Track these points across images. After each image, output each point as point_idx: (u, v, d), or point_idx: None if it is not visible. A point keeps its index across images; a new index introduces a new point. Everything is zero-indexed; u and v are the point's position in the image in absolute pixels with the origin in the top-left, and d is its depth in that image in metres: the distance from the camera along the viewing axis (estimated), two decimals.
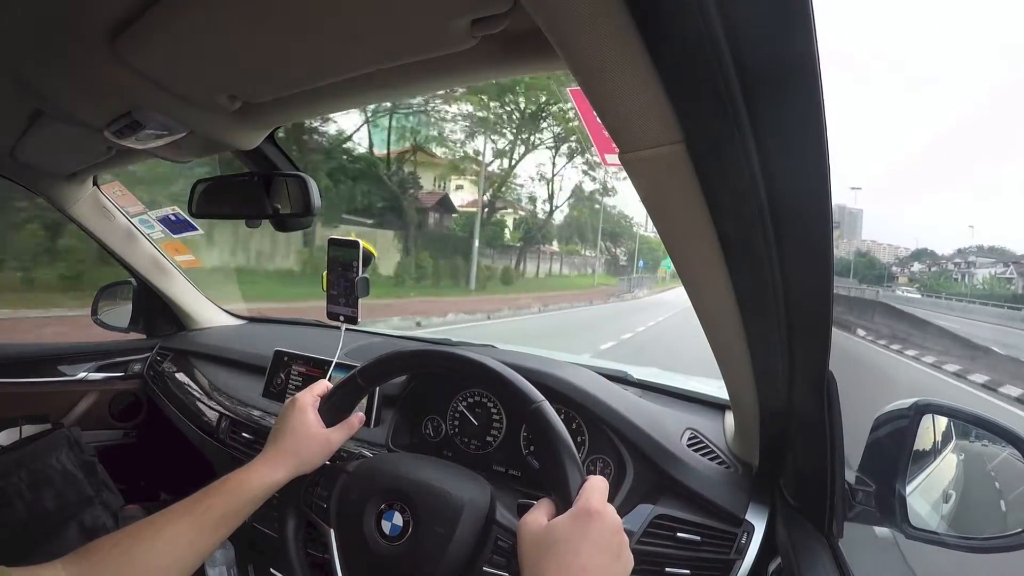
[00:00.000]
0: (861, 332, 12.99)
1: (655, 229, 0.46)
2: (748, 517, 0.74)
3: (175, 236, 1.42)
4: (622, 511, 0.77)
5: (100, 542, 0.53)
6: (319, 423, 0.66)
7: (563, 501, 0.52)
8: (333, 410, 0.68)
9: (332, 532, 0.63)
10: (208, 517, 0.57)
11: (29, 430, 1.24)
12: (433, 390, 1.01)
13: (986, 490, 0.76)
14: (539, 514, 0.51)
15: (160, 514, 0.57)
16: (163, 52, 0.55)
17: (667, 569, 0.72)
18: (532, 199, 25.24)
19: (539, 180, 24.19)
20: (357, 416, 0.70)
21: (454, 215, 21.86)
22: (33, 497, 1.06)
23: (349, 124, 16.06)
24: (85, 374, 1.43)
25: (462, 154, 19.23)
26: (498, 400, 0.96)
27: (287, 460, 0.63)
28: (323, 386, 0.70)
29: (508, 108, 19.25)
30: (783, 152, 0.36)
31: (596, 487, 0.52)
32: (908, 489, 0.65)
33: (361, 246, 0.97)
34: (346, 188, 14.64)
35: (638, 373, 1.11)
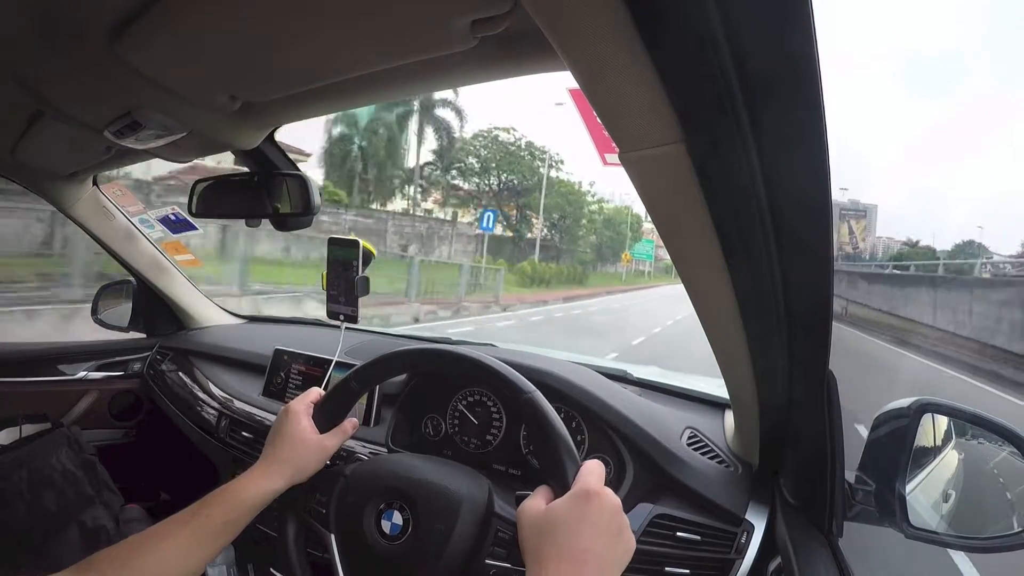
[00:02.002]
0: None
1: (654, 226, 0.46)
2: (748, 516, 0.74)
3: (174, 236, 1.42)
4: None
5: (98, 556, 0.54)
6: (313, 429, 0.66)
7: (560, 486, 0.52)
8: (327, 415, 0.68)
9: (332, 536, 0.63)
10: (206, 527, 0.58)
11: (29, 429, 1.24)
12: (433, 389, 1.01)
13: (986, 489, 0.76)
14: (537, 500, 0.52)
15: (159, 525, 0.57)
16: (163, 52, 0.55)
17: (667, 568, 0.72)
18: None
19: None
20: (351, 421, 0.70)
21: None
22: (33, 497, 1.06)
23: None
24: (85, 373, 1.43)
25: None
26: (492, 393, 0.96)
27: (283, 468, 0.64)
28: (316, 393, 0.71)
29: None
30: (783, 152, 0.36)
31: (592, 470, 0.52)
32: (908, 488, 0.65)
33: (361, 245, 0.97)
34: None
35: (638, 372, 1.11)
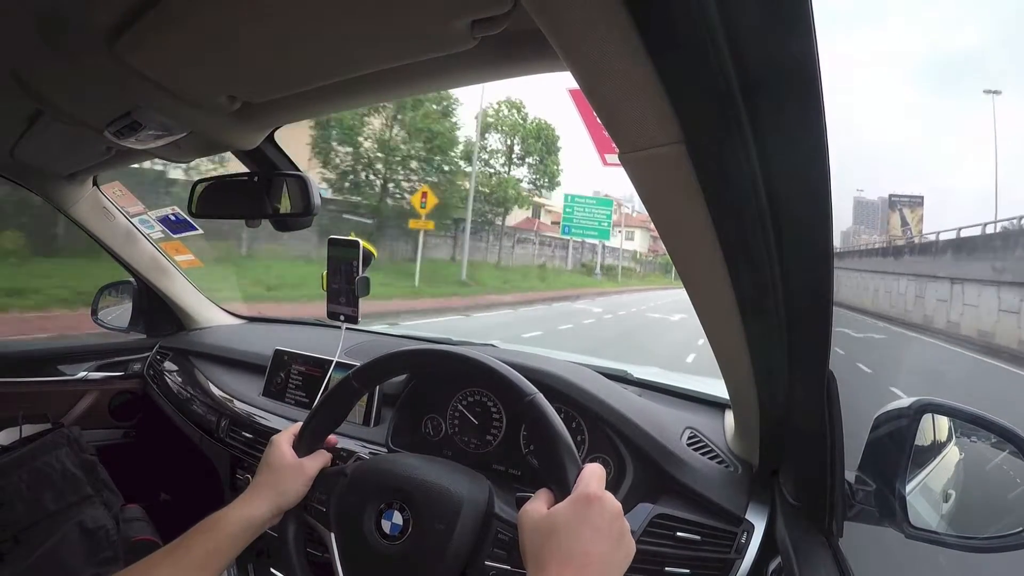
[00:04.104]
0: None
1: (655, 226, 0.46)
2: (748, 516, 0.74)
3: (175, 236, 1.42)
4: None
5: None
6: (292, 455, 0.67)
7: (561, 490, 0.52)
8: (311, 436, 0.69)
9: (332, 536, 0.63)
10: (189, 558, 0.57)
11: (29, 430, 1.24)
12: (433, 389, 1.01)
13: (986, 490, 0.76)
14: (539, 503, 0.52)
15: (145, 560, 0.57)
16: (163, 52, 0.55)
17: (667, 568, 0.72)
18: None
19: None
20: (330, 442, 0.72)
21: None
22: (33, 497, 1.06)
23: None
24: (85, 373, 1.44)
25: None
26: (494, 395, 0.96)
27: (265, 494, 0.64)
28: (298, 425, 0.72)
29: None
30: (783, 152, 0.36)
31: (594, 473, 0.52)
32: (908, 488, 0.65)
33: (361, 246, 0.97)
34: None
35: (638, 372, 1.11)
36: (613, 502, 0.50)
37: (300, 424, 0.71)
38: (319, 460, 0.68)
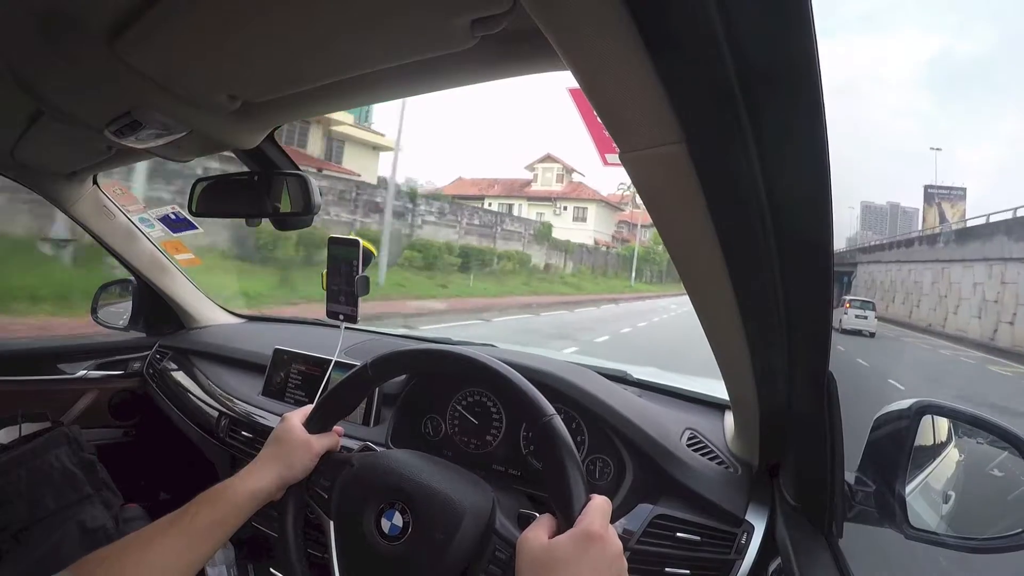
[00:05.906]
0: None
1: (655, 226, 0.46)
2: (748, 517, 0.74)
3: (175, 235, 1.42)
4: (622, 511, 0.77)
5: (88, 560, 0.54)
6: (302, 431, 0.67)
7: (565, 519, 0.52)
8: (321, 420, 0.69)
9: (331, 523, 0.63)
10: (194, 527, 0.58)
11: (28, 428, 1.23)
12: (432, 389, 1.01)
13: (986, 491, 0.76)
14: (540, 531, 0.51)
15: (148, 527, 0.57)
16: (163, 52, 0.55)
17: (667, 569, 0.72)
18: None
19: None
20: (338, 430, 0.72)
21: None
22: (33, 496, 1.06)
23: None
24: (85, 372, 1.44)
25: None
26: (505, 406, 0.96)
27: (271, 465, 0.64)
28: (309, 407, 0.72)
29: None
30: (783, 152, 0.36)
31: (599, 508, 0.52)
32: (908, 489, 0.65)
33: (361, 245, 0.97)
34: None
35: (638, 373, 1.11)
36: (615, 542, 0.50)
37: (311, 406, 0.71)
38: (327, 440, 0.68)
